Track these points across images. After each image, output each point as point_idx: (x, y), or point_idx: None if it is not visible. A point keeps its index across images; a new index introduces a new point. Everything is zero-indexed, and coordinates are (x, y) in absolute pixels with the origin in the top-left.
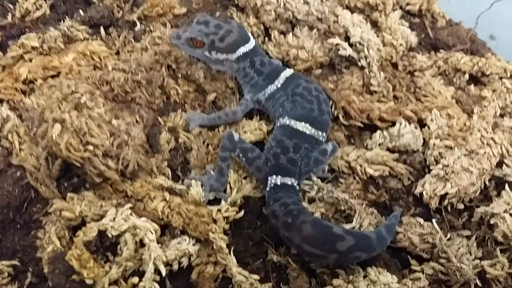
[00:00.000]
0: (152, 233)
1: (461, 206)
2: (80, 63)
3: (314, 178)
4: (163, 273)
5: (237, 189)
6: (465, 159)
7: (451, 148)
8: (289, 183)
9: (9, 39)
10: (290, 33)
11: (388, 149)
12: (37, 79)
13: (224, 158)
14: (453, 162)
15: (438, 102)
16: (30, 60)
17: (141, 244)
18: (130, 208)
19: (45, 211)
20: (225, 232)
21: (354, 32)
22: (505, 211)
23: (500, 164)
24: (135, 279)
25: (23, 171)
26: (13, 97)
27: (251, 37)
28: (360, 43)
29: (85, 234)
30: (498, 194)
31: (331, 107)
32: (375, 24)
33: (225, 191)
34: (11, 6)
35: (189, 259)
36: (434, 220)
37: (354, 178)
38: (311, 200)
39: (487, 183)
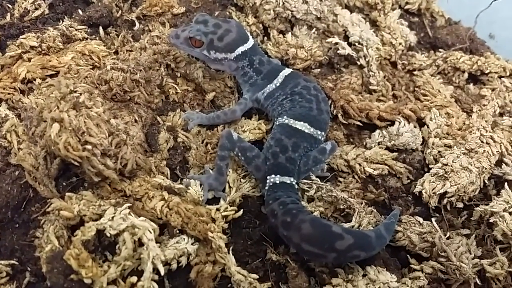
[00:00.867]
0: (150, 232)
1: (460, 205)
2: (79, 63)
3: (313, 177)
4: (162, 272)
5: (236, 188)
6: (465, 158)
7: (450, 147)
8: (288, 182)
9: (8, 39)
10: (289, 32)
11: (387, 148)
12: (35, 79)
13: (223, 157)
14: (452, 161)
15: (437, 101)
16: (29, 60)
17: (140, 243)
18: (129, 207)
19: (43, 210)
20: (224, 231)
21: (353, 31)
22: (504, 210)
23: (499, 163)
24: (134, 279)
25: (21, 170)
26: (12, 96)
27: (250, 36)
28: (359, 42)
29: (83, 233)
30: (498, 193)
31: (330, 106)
32: (374, 23)
33: (224, 190)
34: (10, 6)
35: (188, 258)
36: (433, 219)
37: (353, 177)
38: (310, 199)
39: (486, 181)
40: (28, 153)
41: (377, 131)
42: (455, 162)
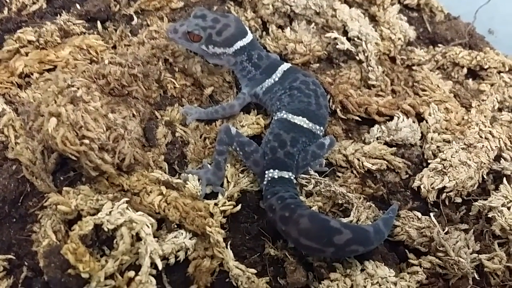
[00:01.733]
0: (148, 227)
1: (459, 199)
2: (76, 57)
3: (312, 172)
4: (160, 267)
5: (234, 183)
6: (463, 153)
7: (449, 142)
8: (287, 177)
9: (5, 33)
10: (288, 27)
11: (386, 143)
12: (33, 73)
13: (221, 152)
14: (451, 156)
15: (436, 96)
16: (27, 54)
17: (138, 238)
18: (127, 202)
19: (40, 205)
20: (222, 226)
21: (352, 26)
22: (503, 205)
23: (498, 158)
24: (131, 273)
25: (18, 164)
26: (9, 91)
27: (249, 31)
28: (358, 37)
29: (81, 228)
30: (496, 188)
31: (329, 101)
32: (373, 18)
33: (222, 185)
34: (7, 0)
35: (186, 253)
36: (431, 214)
37: (352, 172)
38: (309, 194)
39: (485, 176)
40: (25, 148)
41: (376, 126)
42: (454, 157)
